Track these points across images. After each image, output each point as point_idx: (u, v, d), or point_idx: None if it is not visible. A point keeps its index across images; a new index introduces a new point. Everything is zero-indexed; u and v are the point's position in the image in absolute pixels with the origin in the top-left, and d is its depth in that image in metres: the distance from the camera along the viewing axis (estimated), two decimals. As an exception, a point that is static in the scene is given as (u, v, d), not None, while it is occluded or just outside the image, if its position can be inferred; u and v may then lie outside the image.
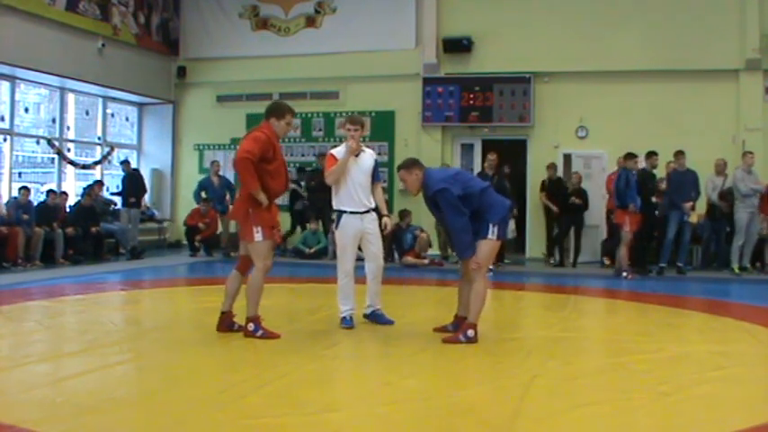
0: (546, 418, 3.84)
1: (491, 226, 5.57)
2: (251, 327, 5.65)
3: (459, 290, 5.97)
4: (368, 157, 6.32)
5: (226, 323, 5.87)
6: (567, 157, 13.37)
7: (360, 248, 6.36)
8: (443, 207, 5.54)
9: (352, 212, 6.17)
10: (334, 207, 6.27)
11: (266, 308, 7.39)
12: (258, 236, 5.59)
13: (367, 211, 6.24)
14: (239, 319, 5.87)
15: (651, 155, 11.19)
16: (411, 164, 5.78)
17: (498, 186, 11.87)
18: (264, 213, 5.60)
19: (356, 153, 6.21)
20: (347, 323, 6.20)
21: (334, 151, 6.27)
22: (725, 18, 12.75)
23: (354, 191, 6.16)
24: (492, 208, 5.61)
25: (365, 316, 6.47)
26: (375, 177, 6.34)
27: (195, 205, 13.73)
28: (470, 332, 5.55)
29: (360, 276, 6.37)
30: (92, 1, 13.34)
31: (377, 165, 6.37)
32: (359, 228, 6.19)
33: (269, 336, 5.65)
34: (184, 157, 15.82)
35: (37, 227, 11.44)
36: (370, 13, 14.38)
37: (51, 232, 11.64)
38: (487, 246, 5.60)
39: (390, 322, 6.40)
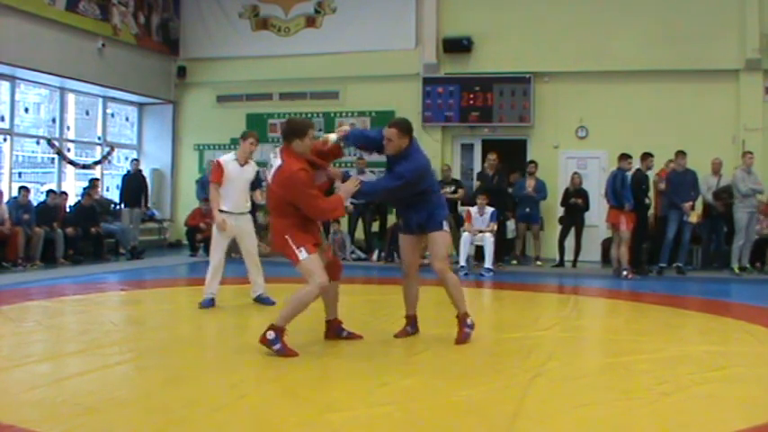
0: (546, 418, 3.84)
1: (444, 221, 5.60)
2: (271, 335, 5.05)
3: (404, 289, 5.86)
4: (251, 167, 7.33)
5: (333, 330, 5.69)
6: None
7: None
8: (400, 175, 5.31)
9: (228, 212, 7.18)
10: (219, 206, 7.22)
11: (266, 308, 7.40)
12: (302, 254, 5.13)
13: (242, 213, 7.32)
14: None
15: (646, 156, 11.19)
16: (408, 129, 5.44)
17: (498, 186, 11.96)
18: (302, 234, 5.21)
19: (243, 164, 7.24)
20: (206, 304, 7.16)
21: (222, 159, 7.23)
22: (725, 18, 12.75)
23: (234, 194, 7.20)
24: (442, 207, 5.70)
25: (255, 300, 7.47)
26: (257, 185, 8.10)
27: (195, 205, 13.73)
28: (469, 320, 5.66)
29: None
30: (92, 1, 13.34)
31: (258, 175, 7.53)
32: (233, 225, 7.22)
33: (287, 353, 5.05)
34: (184, 157, 15.82)
35: (37, 227, 11.45)
36: (370, 13, 14.38)
37: (51, 232, 11.65)
38: (444, 237, 5.61)
39: (273, 303, 7.23)
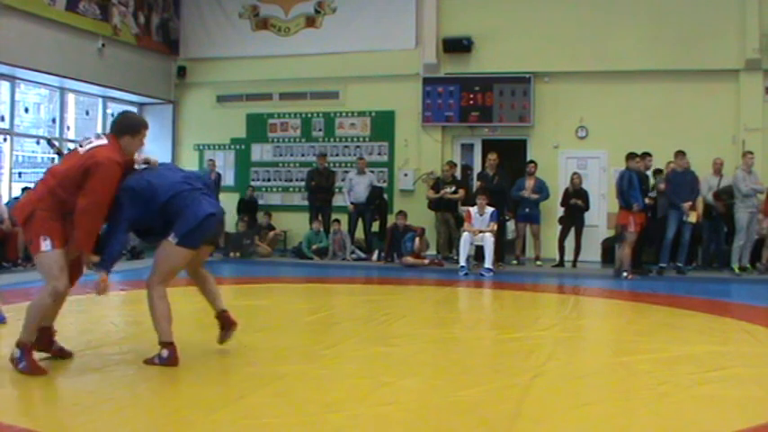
0: (546, 418, 3.84)
1: (173, 232, 4.73)
2: (16, 353, 4.57)
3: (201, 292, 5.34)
4: None
5: (46, 341, 4.93)
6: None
7: None
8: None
9: None
10: None
11: (266, 308, 7.43)
12: (47, 245, 4.57)
13: None
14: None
15: (645, 156, 11.19)
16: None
17: (499, 186, 11.96)
18: (55, 224, 4.62)
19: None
20: None
21: None
22: (725, 18, 12.75)
23: None
24: (178, 217, 4.73)
25: None
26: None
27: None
28: (164, 352, 4.74)
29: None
30: (92, 1, 13.34)
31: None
32: None
33: (32, 371, 4.53)
34: (184, 157, 15.81)
35: (37, 227, 11.43)
36: (370, 13, 14.38)
37: (51, 232, 11.62)
38: (166, 248, 4.78)
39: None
